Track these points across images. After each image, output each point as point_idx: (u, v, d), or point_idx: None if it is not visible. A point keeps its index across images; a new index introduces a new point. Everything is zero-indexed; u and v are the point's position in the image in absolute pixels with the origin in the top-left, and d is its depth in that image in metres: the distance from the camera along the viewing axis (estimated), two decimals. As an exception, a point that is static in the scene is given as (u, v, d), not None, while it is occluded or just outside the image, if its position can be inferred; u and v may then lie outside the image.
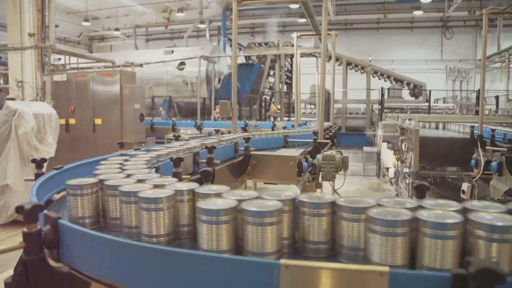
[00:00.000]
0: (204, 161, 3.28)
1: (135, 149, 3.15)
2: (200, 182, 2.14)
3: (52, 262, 1.48)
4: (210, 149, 3.24)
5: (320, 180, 4.60)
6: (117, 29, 23.14)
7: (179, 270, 1.25)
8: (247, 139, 3.96)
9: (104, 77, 8.62)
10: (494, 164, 4.66)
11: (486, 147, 5.20)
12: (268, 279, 1.15)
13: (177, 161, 2.67)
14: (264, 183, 4.39)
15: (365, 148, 12.66)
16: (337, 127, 10.58)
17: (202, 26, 23.90)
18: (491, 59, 20.88)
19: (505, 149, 4.33)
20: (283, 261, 1.15)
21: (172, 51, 17.23)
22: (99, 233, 1.43)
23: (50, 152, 6.57)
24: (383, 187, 10.94)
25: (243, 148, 3.99)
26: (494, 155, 4.98)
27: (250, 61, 18.52)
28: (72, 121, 8.70)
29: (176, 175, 2.64)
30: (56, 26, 9.94)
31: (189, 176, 2.85)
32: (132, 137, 8.33)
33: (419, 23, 25.01)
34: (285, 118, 15.26)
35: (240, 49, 18.55)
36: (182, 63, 16.13)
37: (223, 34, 22.45)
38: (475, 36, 24.03)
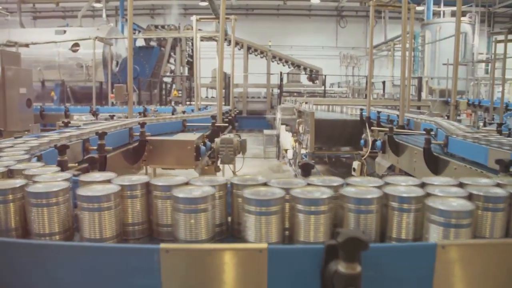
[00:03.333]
0: (95, 148, 3.10)
1: (15, 137, 2.89)
2: (87, 170, 2.03)
3: None
4: (101, 135, 3.07)
5: (219, 164, 4.64)
6: (-4, 4, 20.77)
7: (57, 263, 1.18)
8: (142, 124, 3.83)
9: (-20, 57, 7.70)
10: (378, 143, 5.07)
11: (372, 128, 5.62)
12: (148, 265, 1.13)
13: (62, 149, 2.49)
14: (162, 168, 4.30)
15: (266, 131, 13.04)
16: (237, 111, 10.71)
17: (98, 5, 22.41)
18: (379, 48, 22.61)
19: (387, 129, 4.71)
20: (162, 245, 1.13)
21: (65, 31, 15.91)
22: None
23: None
24: (282, 168, 11.39)
25: (138, 134, 3.85)
26: (379, 135, 5.41)
27: (150, 44, 17.86)
28: None
29: (61, 163, 2.47)
30: None
31: (77, 164, 2.68)
32: (18, 124, 7.60)
33: (316, 11, 26.21)
34: (188, 103, 15.06)
35: (139, 31, 17.78)
36: (76, 45, 15.02)
37: (121, 14, 21.32)
38: (366, 25, 25.80)
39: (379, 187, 1.40)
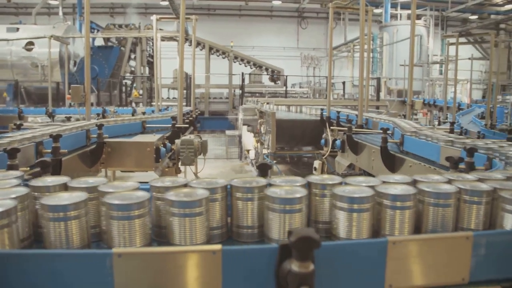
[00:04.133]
0: (49, 151, 3.00)
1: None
2: (39, 174, 1.95)
3: None
4: (55, 137, 2.97)
5: (180, 165, 4.59)
6: None
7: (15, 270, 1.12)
8: (99, 126, 3.74)
9: None
10: (338, 142, 5.17)
11: (332, 127, 5.72)
12: (101, 270, 1.10)
13: (12, 152, 2.40)
14: (121, 171, 4.21)
15: (228, 132, 13.03)
16: (199, 112, 10.63)
17: (54, 2, 21.65)
18: (339, 49, 23.07)
19: (346, 129, 4.81)
20: (115, 250, 1.11)
21: (17, 29, 15.30)
22: None
23: None
24: (245, 169, 11.42)
25: (96, 136, 3.75)
26: (339, 134, 5.52)
27: (110, 44, 17.45)
28: None
29: (12, 167, 2.38)
30: None
31: (29, 168, 2.58)
32: (-34, 126, 7.24)
33: (278, 12, 26.45)
34: (149, 104, 14.81)
35: (98, 30, 17.32)
36: (30, 43, 14.47)
37: (79, 12, 20.67)
38: (327, 27, 26.26)
39: (448, 183, 1.53)
